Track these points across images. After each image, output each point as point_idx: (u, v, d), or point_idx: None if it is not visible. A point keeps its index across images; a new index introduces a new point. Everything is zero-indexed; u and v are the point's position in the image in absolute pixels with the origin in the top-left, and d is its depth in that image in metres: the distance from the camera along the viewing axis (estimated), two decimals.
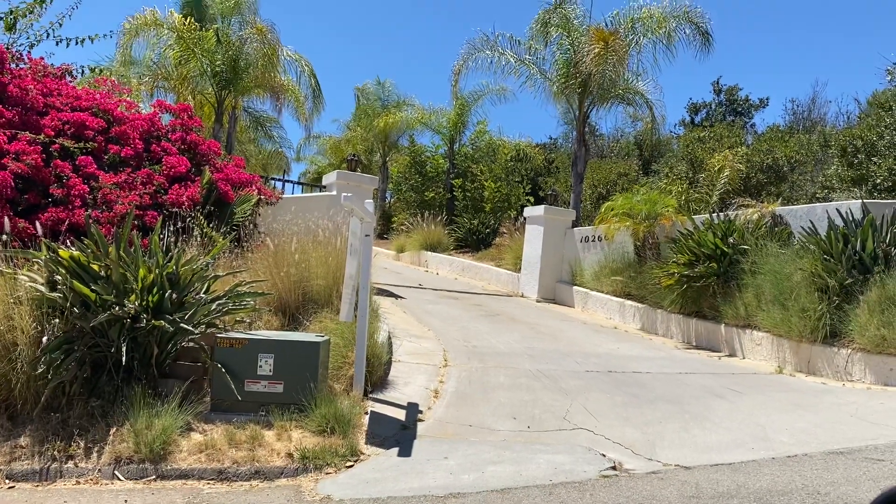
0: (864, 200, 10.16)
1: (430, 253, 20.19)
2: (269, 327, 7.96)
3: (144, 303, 6.21)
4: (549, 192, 16.13)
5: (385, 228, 26.10)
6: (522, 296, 15.49)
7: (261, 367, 6.30)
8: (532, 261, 15.46)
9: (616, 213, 12.98)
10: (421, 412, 6.76)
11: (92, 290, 6.04)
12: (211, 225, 9.01)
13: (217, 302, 6.72)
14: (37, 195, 7.78)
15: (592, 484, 4.95)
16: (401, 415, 6.66)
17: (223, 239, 9.05)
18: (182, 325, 6.23)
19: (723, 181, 15.34)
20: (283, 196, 10.84)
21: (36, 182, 7.85)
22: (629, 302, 12.89)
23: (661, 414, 6.89)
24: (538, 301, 14.90)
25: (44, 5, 8.46)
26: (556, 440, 6.15)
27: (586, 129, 19.00)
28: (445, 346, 9.12)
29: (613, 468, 5.43)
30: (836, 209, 9.82)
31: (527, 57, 17.43)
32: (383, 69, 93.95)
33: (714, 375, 8.68)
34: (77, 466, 5.47)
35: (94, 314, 5.95)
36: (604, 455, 5.73)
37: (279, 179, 16.90)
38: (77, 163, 8.33)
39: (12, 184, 7.40)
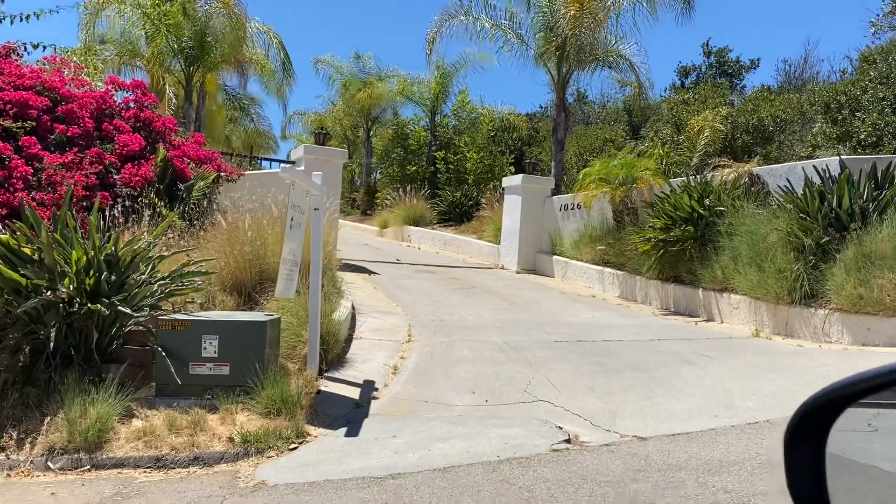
0: (842, 156, 9.86)
1: (412, 227, 19.90)
2: (224, 307, 7.71)
3: (81, 286, 5.95)
4: (527, 161, 15.76)
5: (370, 204, 25.76)
6: (503, 268, 15.24)
7: (205, 348, 6.05)
8: (511, 232, 15.17)
9: (593, 180, 12.65)
10: (377, 389, 6.53)
11: (21, 275, 5.77)
12: (164, 203, 8.72)
13: (159, 283, 6.45)
14: None
15: (540, 459, 4.72)
16: (355, 393, 6.43)
17: (177, 218, 8.78)
18: (120, 308, 5.97)
19: (703, 142, 14.98)
20: (246, 173, 10.53)
21: None
22: (608, 270, 12.63)
23: (626, 382, 6.66)
24: (518, 272, 14.64)
25: None
26: (514, 413, 5.93)
27: (569, 95, 18.63)
28: (412, 321, 8.87)
29: (568, 441, 5.21)
30: (813, 166, 9.52)
31: (503, 22, 16.99)
32: (363, 41, 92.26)
33: (688, 341, 8.45)
34: (9, 458, 5.23)
35: (27, 300, 5.70)
36: (560, 427, 5.51)
37: (254, 157, 16.53)
38: (20, 144, 8.01)
39: None
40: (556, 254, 14.50)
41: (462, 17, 16.92)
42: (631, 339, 8.54)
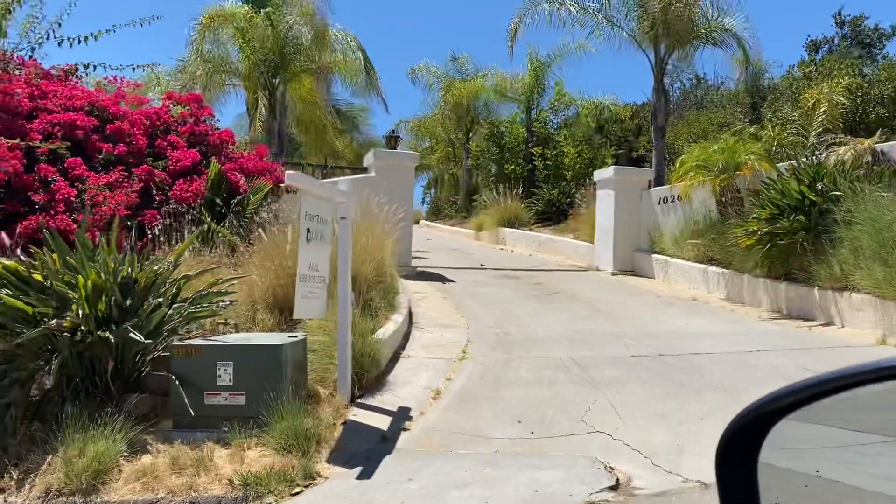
0: None
1: (507, 229, 19.02)
2: (263, 327, 7.24)
3: (92, 313, 5.61)
4: (621, 152, 14.51)
5: (468, 207, 25.12)
6: (598, 269, 14.05)
7: (220, 376, 5.56)
8: (605, 230, 13.98)
9: (690, 168, 11.35)
10: (411, 419, 5.80)
11: (27, 304, 5.49)
12: (213, 218, 8.41)
13: (175, 306, 6.03)
14: (16, 203, 7.39)
15: None
16: (386, 423, 5.73)
17: (230, 233, 8.47)
18: (131, 335, 5.57)
19: (819, 119, 13.19)
20: None
21: (17, 190, 7.47)
22: (712, 268, 11.27)
23: (705, 408, 5.59)
24: (614, 274, 13.43)
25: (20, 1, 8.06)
26: (561, 449, 5.04)
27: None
28: (473, 335, 8.06)
29: (614, 488, 4.29)
30: None
31: (589, 4, 15.79)
32: (461, 42, 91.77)
33: (793, 352, 7.16)
34: (6, 501, 4.92)
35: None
36: (611, 469, 4.58)
37: (332, 166, 16.32)
38: (65, 165, 7.91)
39: None
40: (655, 252, 13.20)
41: (546, 5, 15.88)
42: (724, 351, 7.34)
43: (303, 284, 5.67)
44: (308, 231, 5.71)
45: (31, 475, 5.07)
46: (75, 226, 7.42)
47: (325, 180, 9.91)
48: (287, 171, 5.41)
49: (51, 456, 5.15)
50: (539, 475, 4.52)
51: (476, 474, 4.63)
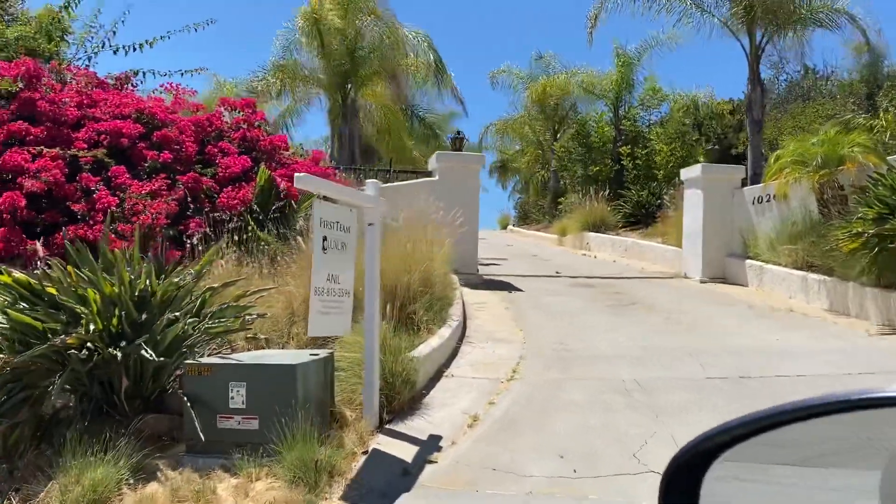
0: None
1: (591, 234, 17.99)
2: (298, 341, 6.80)
3: (106, 328, 5.31)
4: (715, 148, 13.29)
5: (554, 210, 24.18)
6: (685, 276, 12.90)
7: (232, 398, 5.13)
8: (693, 233, 12.81)
9: (786, 163, 10.16)
10: (440, 448, 5.17)
11: (36, 319, 5.22)
12: (259, 226, 8.08)
13: (190, 320, 5.64)
14: (55, 213, 7.27)
15: None
16: (412, 454, 5.12)
17: (275, 241, 8.12)
18: (143, 352, 5.21)
19: None
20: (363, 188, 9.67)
21: (58, 199, 7.35)
22: (812, 275, 10.02)
23: None
24: (702, 281, 12.26)
25: (69, 10, 8.00)
26: (605, 491, 4.30)
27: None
28: (529, 351, 7.33)
29: None
30: None
31: None
32: (542, 41, 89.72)
33: None
34: None
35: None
36: None
37: (398, 171, 15.91)
38: (109, 174, 7.76)
39: (23, 204, 6.90)
40: (749, 257, 11.96)
41: None
42: (818, 372, 6.31)
43: (318, 298, 5.13)
44: (325, 239, 5.18)
45: (29, 502, 4.78)
46: (113, 236, 7.24)
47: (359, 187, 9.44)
48: (296, 174, 4.88)
49: (52, 481, 4.85)
50: None
51: None
